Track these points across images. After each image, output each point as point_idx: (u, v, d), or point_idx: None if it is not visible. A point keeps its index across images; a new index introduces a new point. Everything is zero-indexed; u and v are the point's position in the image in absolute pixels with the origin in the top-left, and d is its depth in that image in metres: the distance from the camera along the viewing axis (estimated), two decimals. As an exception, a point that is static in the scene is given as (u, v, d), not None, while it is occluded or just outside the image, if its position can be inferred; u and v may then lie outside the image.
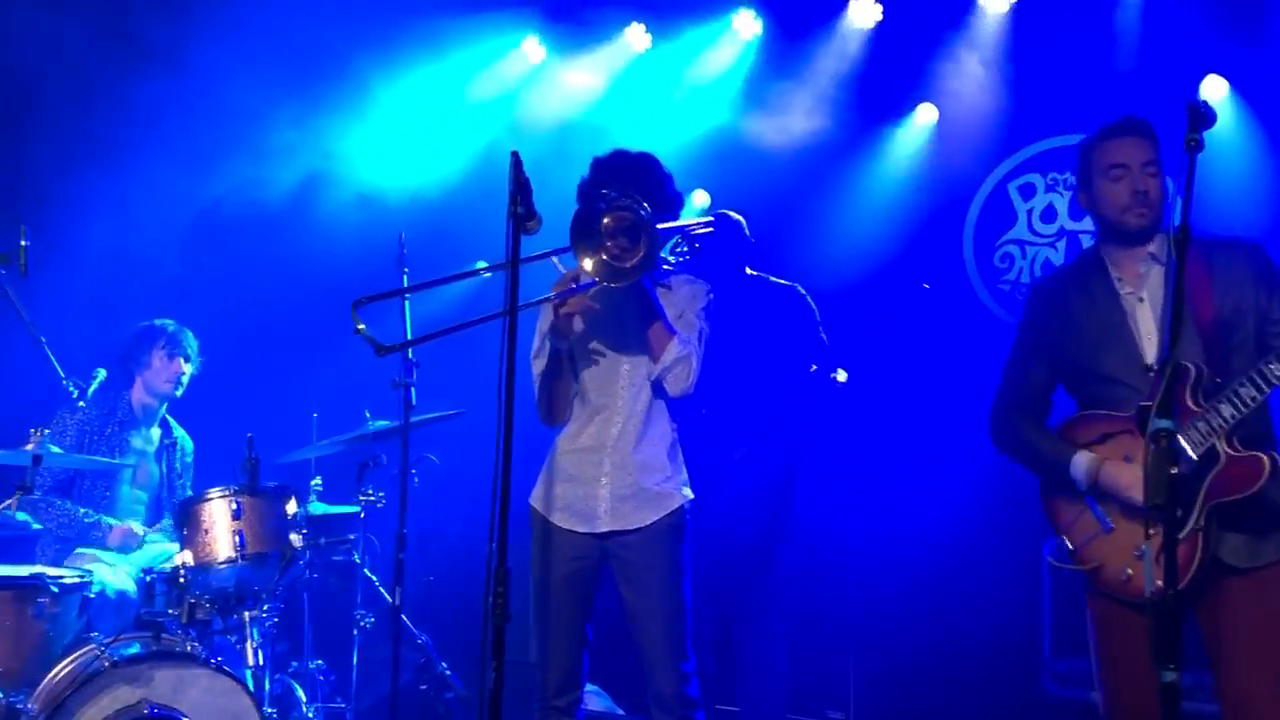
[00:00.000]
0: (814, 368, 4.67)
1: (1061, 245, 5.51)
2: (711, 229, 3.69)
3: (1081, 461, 3.02)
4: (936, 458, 5.25)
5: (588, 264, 3.20)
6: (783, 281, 4.80)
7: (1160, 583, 2.35)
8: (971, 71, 5.60)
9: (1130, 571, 2.94)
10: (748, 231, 4.77)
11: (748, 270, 4.78)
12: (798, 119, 5.79)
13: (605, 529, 3.46)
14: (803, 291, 4.77)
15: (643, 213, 3.23)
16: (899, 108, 5.77)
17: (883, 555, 5.19)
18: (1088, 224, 5.37)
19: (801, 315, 4.75)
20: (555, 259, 3.42)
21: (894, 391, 5.30)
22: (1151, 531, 2.82)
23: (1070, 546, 3.06)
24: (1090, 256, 3.20)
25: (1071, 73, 5.38)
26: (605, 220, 3.22)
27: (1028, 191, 5.60)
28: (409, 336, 3.92)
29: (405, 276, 4.12)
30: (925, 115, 5.74)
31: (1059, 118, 5.47)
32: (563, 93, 6.13)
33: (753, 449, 4.64)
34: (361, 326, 3.00)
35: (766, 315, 4.71)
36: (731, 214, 4.77)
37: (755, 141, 5.85)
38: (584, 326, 3.44)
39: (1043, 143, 5.57)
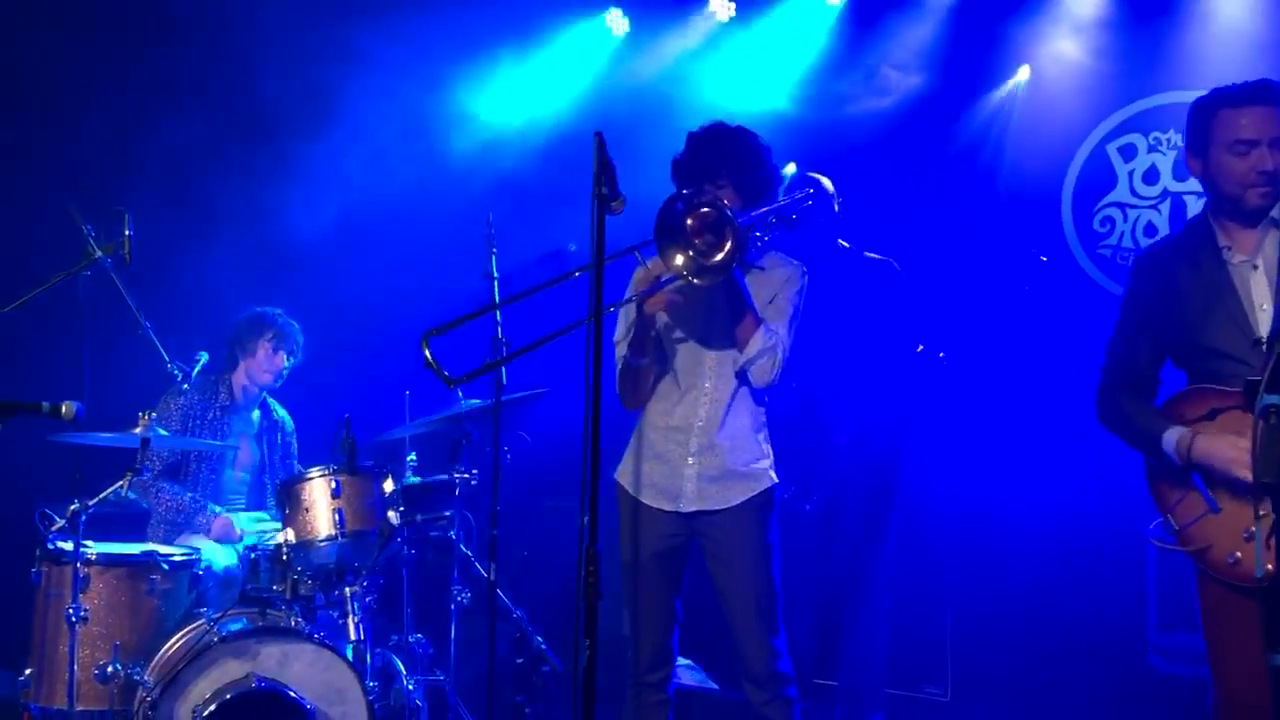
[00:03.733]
0: (920, 348, 4.59)
1: (1165, 207, 5.32)
2: (810, 203, 3.61)
3: (1172, 437, 2.90)
4: (1037, 431, 5.13)
5: (677, 261, 3.17)
6: (876, 256, 4.72)
7: (1270, 566, 2.26)
8: (1067, 28, 5.42)
9: (1239, 554, 2.83)
10: (835, 195, 4.69)
11: (841, 243, 4.71)
12: (888, 85, 5.67)
13: (692, 509, 3.46)
14: (898, 267, 4.69)
15: (725, 210, 3.19)
16: (990, 70, 5.61)
17: (983, 531, 5.11)
18: (1193, 184, 5.16)
19: (897, 292, 4.67)
20: (637, 253, 3.39)
21: (992, 363, 5.19)
22: (1262, 512, 2.70)
23: (1175, 527, 2.95)
24: (1198, 224, 3.04)
25: (1174, 26, 5.17)
26: (688, 220, 3.18)
27: (1129, 152, 5.41)
28: (499, 323, 3.94)
29: (494, 257, 4.15)
30: (1019, 76, 5.58)
31: (1161, 74, 5.26)
32: (647, 64, 6.08)
33: (856, 432, 4.59)
34: (428, 354, 3.02)
35: (861, 292, 4.64)
36: (819, 178, 4.68)
37: (845, 110, 5.74)
38: (671, 315, 3.42)
39: (1144, 101, 5.37)
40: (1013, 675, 5.00)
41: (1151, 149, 5.35)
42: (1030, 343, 5.21)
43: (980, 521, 5.10)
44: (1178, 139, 5.22)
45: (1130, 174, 5.40)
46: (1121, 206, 5.41)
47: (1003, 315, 5.01)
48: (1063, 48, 5.44)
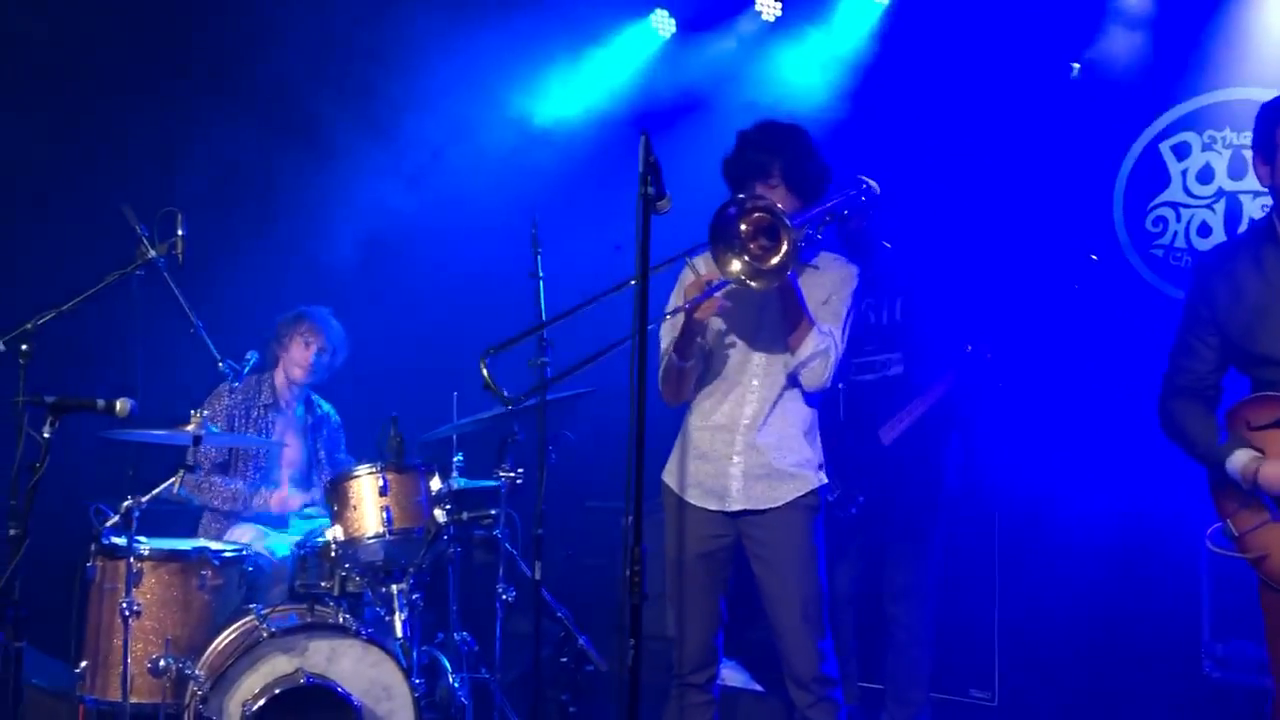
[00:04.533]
0: (969, 348, 4.55)
1: (1220, 207, 5.22)
2: (864, 199, 3.58)
3: (1238, 461, 2.85)
4: (1087, 432, 5.06)
5: (733, 267, 3.18)
6: (923, 257, 4.70)
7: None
8: (1119, 23, 5.34)
9: None
10: (878, 192, 4.65)
11: (885, 245, 4.69)
12: (937, 83, 5.62)
13: (737, 508, 3.45)
14: (945, 268, 4.66)
15: (779, 213, 3.18)
16: (1040, 67, 5.54)
17: (1032, 533, 5.04)
18: (1249, 184, 5.07)
19: (948, 293, 4.64)
20: (688, 258, 3.38)
21: (1042, 363, 5.12)
22: None
23: (1235, 533, 2.90)
24: (1263, 228, 2.97)
25: (1230, 21, 5.07)
26: (743, 225, 3.18)
27: (1182, 151, 5.31)
28: (543, 321, 3.95)
29: (539, 257, 4.16)
30: (1069, 73, 5.50)
31: (1217, 71, 5.16)
32: (693, 65, 6.08)
33: (903, 434, 4.56)
34: (486, 374, 3.02)
35: (914, 293, 4.62)
36: (867, 180, 4.65)
37: (892, 109, 5.70)
38: (720, 315, 3.40)
39: (1198, 98, 5.26)
40: (1061, 680, 4.93)
41: (1206, 147, 5.25)
42: (1081, 344, 5.14)
43: (1029, 523, 5.04)
44: (1234, 137, 5.13)
45: (1184, 173, 5.31)
46: (1174, 206, 5.32)
47: (1053, 315, 4.94)
48: (1114, 43, 5.35)
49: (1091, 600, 4.97)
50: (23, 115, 5.34)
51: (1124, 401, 4.71)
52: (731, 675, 4.72)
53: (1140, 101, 5.34)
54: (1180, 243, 5.27)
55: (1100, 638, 4.93)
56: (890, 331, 4.64)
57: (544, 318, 3.99)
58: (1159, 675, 4.76)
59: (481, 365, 3.03)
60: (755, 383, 3.46)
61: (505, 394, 3.08)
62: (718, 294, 3.25)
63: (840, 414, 4.66)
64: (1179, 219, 5.30)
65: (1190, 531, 4.53)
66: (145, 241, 4.14)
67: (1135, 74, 5.32)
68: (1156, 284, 5.28)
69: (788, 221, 3.18)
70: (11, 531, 3.36)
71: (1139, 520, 4.89)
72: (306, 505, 4.82)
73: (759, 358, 3.46)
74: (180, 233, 4.09)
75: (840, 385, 4.65)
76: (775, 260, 3.17)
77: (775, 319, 3.41)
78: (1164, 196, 5.34)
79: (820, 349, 3.35)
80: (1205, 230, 5.23)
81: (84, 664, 4.09)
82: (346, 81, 5.67)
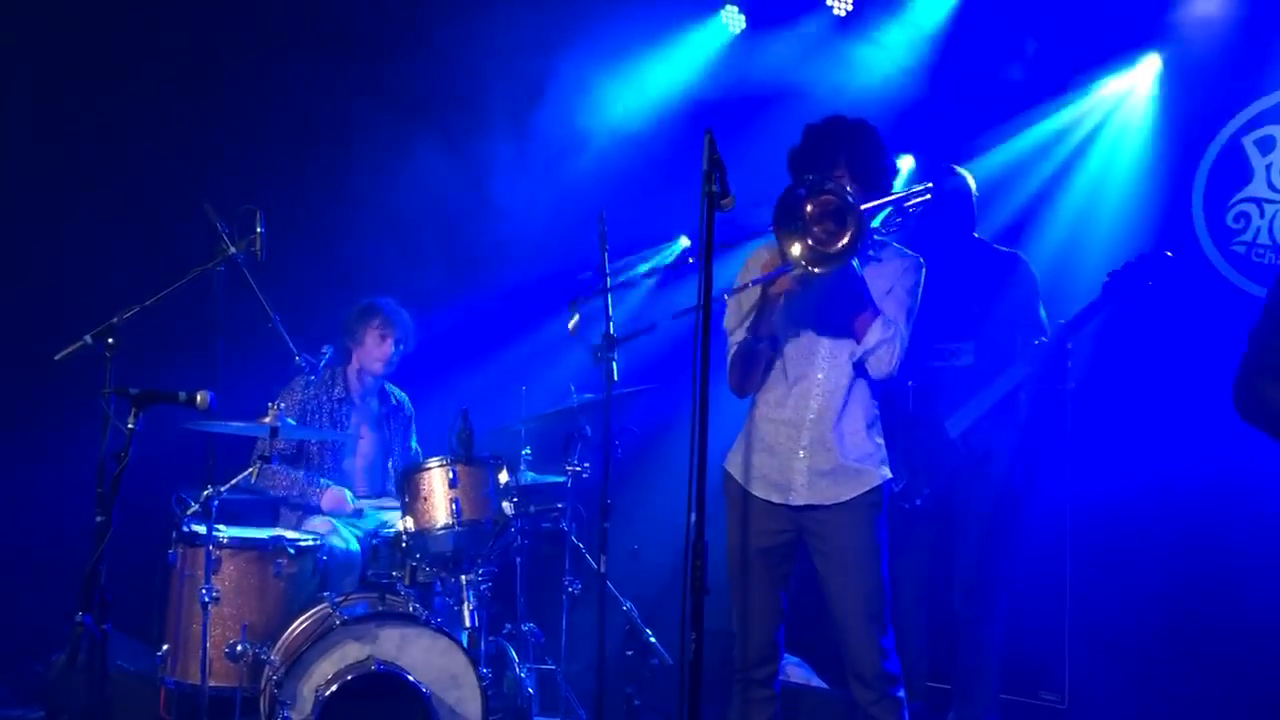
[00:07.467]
0: (1040, 340, 4.50)
1: (1305, 202, 5.08)
2: (929, 196, 3.56)
3: None
4: (1165, 429, 4.96)
5: (794, 250, 3.16)
6: (1004, 249, 4.65)
7: None
8: (1202, 11, 5.21)
9: None
10: (974, 189, 4.64)
11: (975, 235, 4.67)
12: (1009, 74, 5.55)
13: (801, 502, 3.44)
14: (1025, 259, 4.61)
15: (848, 197, 3.16)
16: (1120, 56, 5.43)
17: (1107, 530, 4.96)
18: (1337, 178, 4.94)
19: (1025, 286, 4.58)
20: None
21: (1118, 362, 5.04)
22: None
23: None
24: None
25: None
26: (809, 206, 3.16)
27: (1266, 145, 5.17)
28: (610, 316, 3.99)
29: (605, 254, 4.19)
30: (1149, 62, 5.38)
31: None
32: (762, 62, 6.06)
33: (973, 425, 4.52)
34: (574, 320, 3.05)
35: (990, 284, 4.57)
36: (960, 170, 4.64)
37: (965, 101, 5.64)
38: (785, 304, 3.39)
39: (1284, 90, 5.13)
40: (1135, 683, 4.84)
41: (1292, 141, 5.11)
42: (1159, 343, 5.04)
43: (1104, 520, 4.95)
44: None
45: (1268, 167, 5.16)
46: (1258, 202, 5.18)
47: (1129, 313, 4.85)
48: (1197, 32, 5.23)
49: (1167, 601, 4.87)
50: (106, 115, 5.49)
51: (1202, 401, 4.61)
52: (795, 672, 4.71)
53: (1222, 94, 5.21)
54: (1263, 239, 5.14)
55: (1176, 640, 4.83)
56: (963, 321, 4.59)
57: (610, 316, 4.01)
58: (1239, 679, 4.64)
59: (571, 309, 3.05)
60: (820, 376, 3.44)
61: (577, 315, 3.10)
62: (788, 274, 3.22)
63: (909, 405, 4.63)
64: (1262, 215, 5.16)
65: (1274, 529, 4.42)
66: (225, 238, 4.26)
67: (1218, 65, 5.19)
68: (1237, 281, 5.15)
69: (857, 206, 3.15)
70: (98, 519, 3.47)
71: (1219, 518, 4.78)
72: (360, 511, 4.84)
73: (825, 351, 3.45)
74: (259, 230, 4.19)
75: (910, 382, 4.62)
76: (840, 245, 3.14)
77: (840, 312, 3.39)
78: (1246, 192, 5.20)
79: (886, 336, 3.34)
80: (1290, 227, 5.10)
81: (165, 647, 4.23)
82: (420, 81, 5.75)
